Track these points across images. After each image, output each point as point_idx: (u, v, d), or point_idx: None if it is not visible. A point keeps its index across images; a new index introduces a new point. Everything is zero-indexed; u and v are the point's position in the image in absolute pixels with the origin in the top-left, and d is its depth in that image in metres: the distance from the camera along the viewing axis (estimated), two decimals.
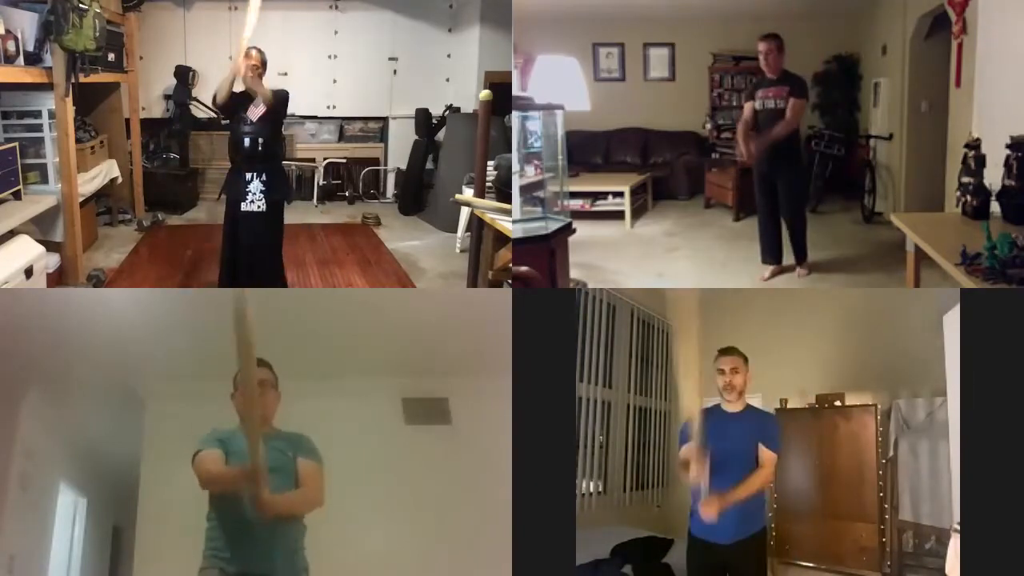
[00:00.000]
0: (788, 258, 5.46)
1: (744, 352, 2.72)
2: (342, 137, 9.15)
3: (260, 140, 4.51)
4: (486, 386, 3.09)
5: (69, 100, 4.87)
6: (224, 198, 4.79)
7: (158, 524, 3.23)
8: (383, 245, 6.95)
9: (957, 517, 2.64)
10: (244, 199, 4.52)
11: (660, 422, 5.64)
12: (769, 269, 5.43)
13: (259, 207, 4.53)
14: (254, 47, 4.48)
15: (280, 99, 4.53)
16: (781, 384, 4.74)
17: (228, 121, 4.69)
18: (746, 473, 2.58)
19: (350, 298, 4.15)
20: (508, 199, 4.43)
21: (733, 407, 2.68)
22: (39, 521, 3.57)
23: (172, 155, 8.11)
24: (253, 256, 4.63)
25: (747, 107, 5.32)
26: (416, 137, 8.44)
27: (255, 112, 4.50)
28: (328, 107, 8.81)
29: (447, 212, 6.93)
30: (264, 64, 4.49)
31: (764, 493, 2.70)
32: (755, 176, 5.39)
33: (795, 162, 5.40)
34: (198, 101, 8.10)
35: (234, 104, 4.51)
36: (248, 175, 4.52)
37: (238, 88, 4.53)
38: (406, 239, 7.20)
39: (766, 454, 2.60)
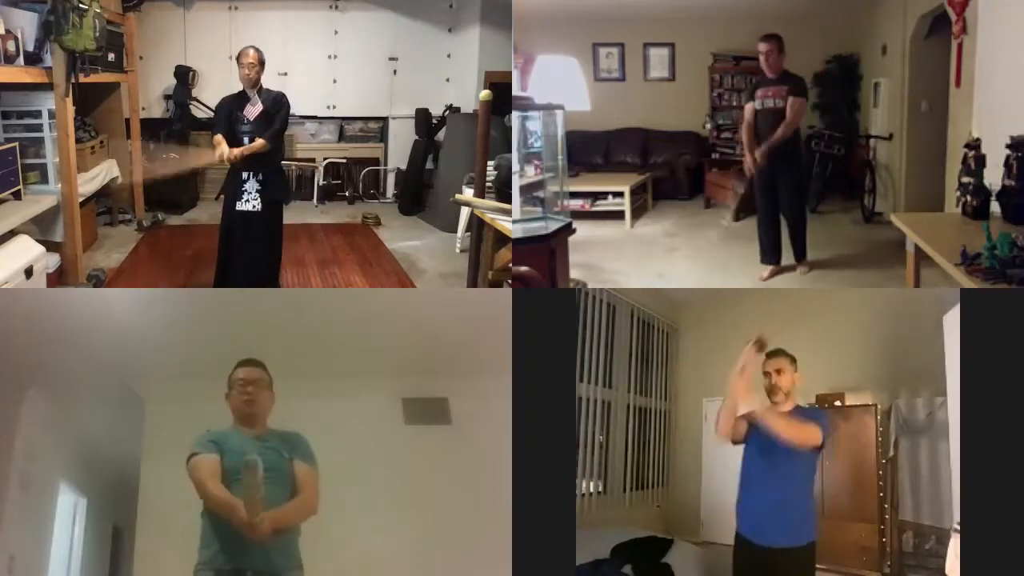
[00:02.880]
0: (787, 259, 5.45)
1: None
2: (342, 137, 9.15)
3: (256, 139, 4.48)
4: (486, 386, 3.08)
5: (69, 100, 4.87)
6: (223, 198, 4.79)
7: (158, 524, 3.21)
8: (383, 245, 6.94)
9: (957, 517, 2.64)
10: (240, 198, 4.51)
11: (660, 422, 5.64)
12: (768, 269, 5.42)
13: (254, 207, 4.51)
14: (251, 46, 4.50)
15: (278, 101, 4.53)
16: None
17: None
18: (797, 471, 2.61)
19: (350, 298, 4.14)
20: (508, 199, 4.43)
21: (782, 408, 2.69)
22: (39, 521, 3.55)
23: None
24: (247, 255, 4.59)
25: (747, 109, 5.32)
26: (416, 137, 8.44)
27: (252, 111, 4.51)
28: (328, 107, 8.81)
29: (447, 212, 6.93)
30: (262, 63, 4.52)
31: (814, 503, 2.69)
32: (755, 175, 5.35)
33: (795, 160, 5.41)
34: (198, 101, 8.10)
35: (231, 105, 4.53)
36: (244, 174, 4.51)
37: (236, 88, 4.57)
38: (406, 239, 7.19)
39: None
